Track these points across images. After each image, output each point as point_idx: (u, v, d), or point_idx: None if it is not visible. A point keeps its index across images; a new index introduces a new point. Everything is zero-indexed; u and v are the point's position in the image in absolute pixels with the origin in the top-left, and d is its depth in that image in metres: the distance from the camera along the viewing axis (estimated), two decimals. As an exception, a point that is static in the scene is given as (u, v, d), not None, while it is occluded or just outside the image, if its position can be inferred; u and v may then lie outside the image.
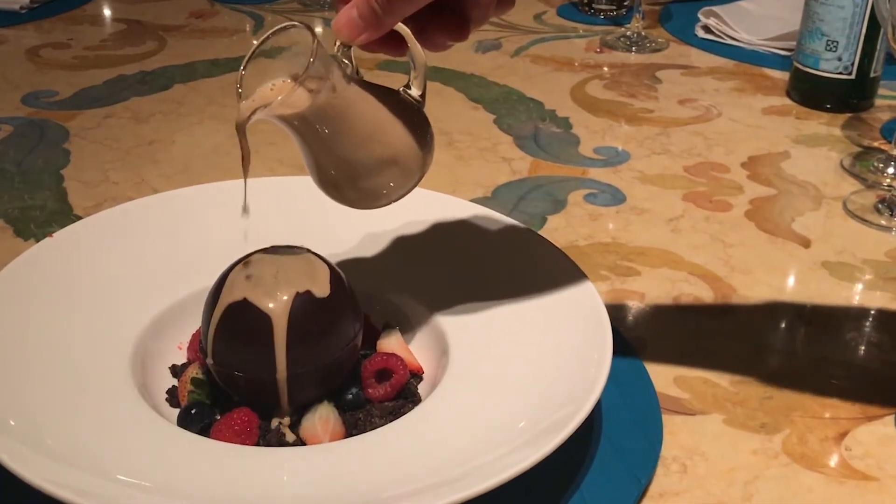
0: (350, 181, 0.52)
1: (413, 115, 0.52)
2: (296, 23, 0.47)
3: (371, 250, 0.64)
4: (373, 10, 0.46)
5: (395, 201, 0.53)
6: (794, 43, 1.03)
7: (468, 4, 0.48)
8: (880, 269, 0.72)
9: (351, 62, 0.50)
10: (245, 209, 0.51)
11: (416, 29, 0.49)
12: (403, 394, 0.54)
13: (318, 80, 0.47)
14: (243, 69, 0.48)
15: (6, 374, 0.50)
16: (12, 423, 0.47)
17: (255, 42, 0.47)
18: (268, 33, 0.48)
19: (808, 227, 0.78)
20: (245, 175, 0.50)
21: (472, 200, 0.69)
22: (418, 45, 0.50)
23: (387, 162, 0.51)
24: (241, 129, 0.48)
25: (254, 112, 0.47)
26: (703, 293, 0.69)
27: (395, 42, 0.49)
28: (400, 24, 0.48)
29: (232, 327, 0.51)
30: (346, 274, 0.54)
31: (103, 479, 0.45)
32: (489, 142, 0.92)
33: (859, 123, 0.98)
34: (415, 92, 0.52)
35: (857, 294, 0.70)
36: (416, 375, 0.57)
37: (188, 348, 0.58)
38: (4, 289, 0.57)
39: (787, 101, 1.04)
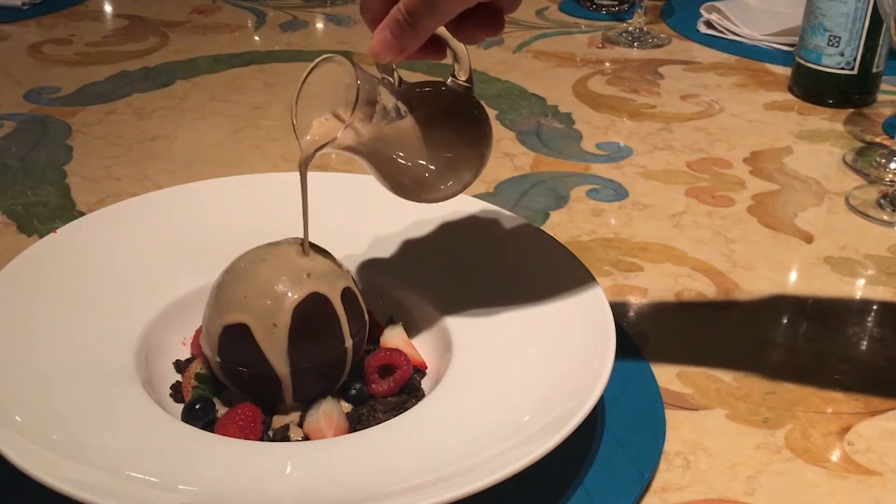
0: (417, 182, 0.54)
1: (466, 105, 0.54)
2: (332, 55, 0.48)
3: (374, 246, 0.64)
4: (403, 29, 0.46)
5: (464, 189, 0.55)
6: (797, 38, 1.03)
7: None
8: (882, 264, 0.72)
9: (393, 76, 0.51)
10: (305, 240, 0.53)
11: (450, 27, 0.49)
12: (407, 389, 0.55)
13: (368, 107, 0.48)
14: (294, 111, 0.49)
15: (11, 370, 0.51)
16: (17, 418, 0.47)
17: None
18: (309, 68, 0.49)
19: (811, 222, 0.78)
20: (305, 214, 0.52)
21: (475, 196, 0.69)
22: (457, 41, 0.51)
23: (450, 158, 0.53)
24: (304, 166, 0.50)
25: (317, 150, 0.49)
26: (705, 288, 0.69)
27: (434, 46, 0.50)
28: None
29: (238, 331, 0.51)
30: (350, 269, 0.55)
31: (108, 474, 0.45)
32: (491, 137, 0.92)
33: (861, 119, 0.98)
34: (462, 78, 0.53)
35: (859, 289, 0.70)
36: (420, 371, 0.57)
37: (192, 344, 0.58)
38: (8, 285, 0.57)
39: (790, 97, 1.04)
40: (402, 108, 0.50)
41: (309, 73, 0.49)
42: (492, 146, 0.55)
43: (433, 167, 0.53)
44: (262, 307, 0.50)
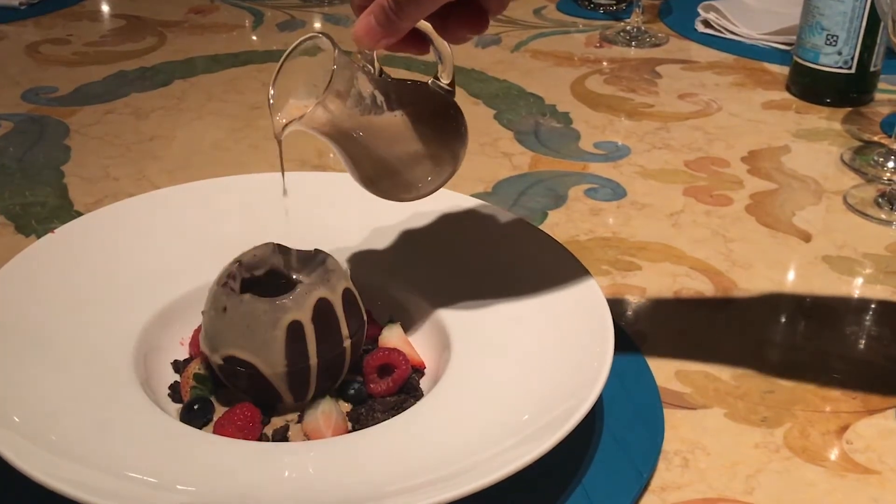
0: (387, 177, 0.53)
1: (445, 107, 0.53)
2: (316, 34, 0.48)
3: (372, 246, 0.64)
4: (388, 16, 0.46)
5: (434, 191, 0.55)
6: (794, 37, 1.03)
7: None
8: (880, 263, 0.72)
9: (374, 65, 0.51)
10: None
11: (436, 24, 0.49)
12: (405, 389, 0.55)
13: (343, 89, 0.48)
14: (273, 85, 0.49)
15: (9, 371, 0.51)
16: (16, 419, 0.47)
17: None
18: (291, 46, 0.49)
19: (809, 221, 0.78)
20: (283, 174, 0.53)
21: (473, 196, 0.69)
22: (441, 39, 0.50)
23: (422, 157, 0.53)
24: (277, 140, 0.50)
25: (287, 125, 0.49)
26: (703, 288, 0.69)
27: (417, 40, 0.50)
28: (421, 21, 0.48)
29: (240, 331, 0.51)
30: (348, 269, 0.55)
31: (107, 474, 0.45)
32: (489, 137, 0.92)
33: (859, 118, 0.98)
34: (444, 81, 0.53)
35: (857, 288, 0.70)
36: (418, 370, 0.57)
37: (190, 344, 0.58)
38: (6, 285, 0.57)
39: (787, 96, 1.04)
40: (379, 98, 0.50)
41: (290, 52, 0.49)
42: (466, 148, 0.54)
43: (403, 163, 0.52)
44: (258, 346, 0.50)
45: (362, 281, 0.56)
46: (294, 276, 0.54)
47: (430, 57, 0.52)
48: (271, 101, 0.50)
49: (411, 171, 0.53)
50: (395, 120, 0.51)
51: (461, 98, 1.02)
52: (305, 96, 0.50)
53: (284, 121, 0.49)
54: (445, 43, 0.51)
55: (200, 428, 0.51)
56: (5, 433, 0.46)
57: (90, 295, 0.58)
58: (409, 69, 1.03)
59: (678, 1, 1.36)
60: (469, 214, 0.66)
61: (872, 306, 0.68)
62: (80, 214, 0.75)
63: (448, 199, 0.67)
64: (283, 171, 0.52)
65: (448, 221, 0.65)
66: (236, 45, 1.19)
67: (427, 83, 0.53)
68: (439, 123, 0.53)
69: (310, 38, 0.49)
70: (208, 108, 0.99)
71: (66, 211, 0.78)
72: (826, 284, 0.70)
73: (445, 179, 0.54)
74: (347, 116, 0.49)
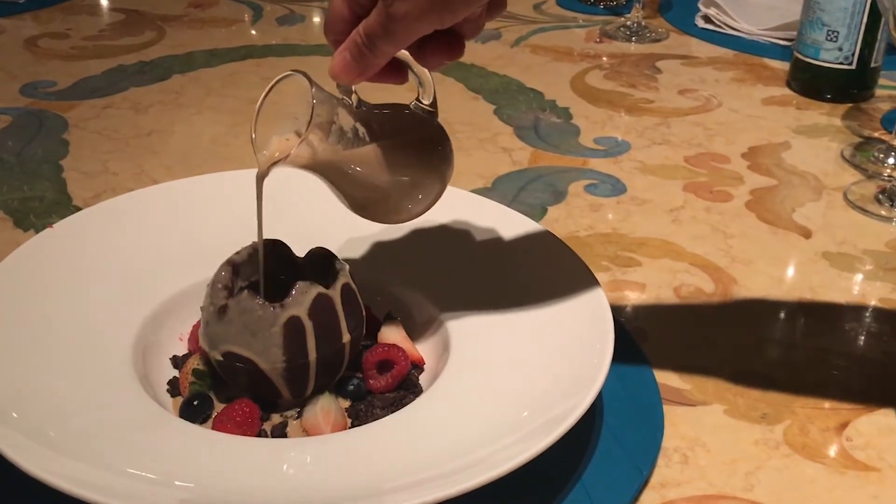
0: (376, 204, 0.53)
1: (428, 130, 0.53)
2: (292, 72, 0.48)
3: (371, 242, 0.64)
4: (362, 52, 0.46)
5: (424, 212, 0.54)
6: (795, 33, 1.03)
7: (459, 22, 0.47)
8: (881, 259, 0.72)
9: (351, 97, 0.50)
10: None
11: (411, 52, 0.49)
12: (405, 385, 0.54)
13: (324, 126, 0.48)
14: (254, 125, 0.49)
15: (7, 367, 0.50)
16: (14, 414, 0.47)
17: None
18: (268, 87, 0.48)
19: (809, 217, 0.78)
20: (260, 228, 0.52)
21: (472, 191, 0.69)
22: (419, 66, 0.50)
23: (409, 182, 0.52)
24: (259, 181, 0.50)
25: (272, 166, 0.49)
26: (703, 284, 0.69)
27: (395, 70, 0.50)
28: None
29: (238, 328, 0.51)
30: (348, 265, 0.54)
31: (105, 470, 0.45)
32: (489, 132, 0.92)
33: (860, 114, 0.98)
34: (426, 102, 0.53)
35: (857, 285, 0.70)
36: (418, 366, 0.57)
37: (189, 339, 0.58)
38: (4, 280, 0.56)
39: (788, 92, 1.04)
40: (361, 129, 0.50)
41: (269, 91, 0.48)
42: (453, 168, 0.54)
43: (391, 189, 0.52)
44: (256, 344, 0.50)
45: (361, 277, 0.55)
46: (293, 273, 0.54)
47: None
48: (254, 139, 0.49)
49: (399, 196, 0.53)
50: (379, 150, 0.50)
51: (461, 93, 1.03)
52: (287, 130, 0.50)
53: (271, 158, 0.49)
54: (424, 69, 0.51)
55: (199, 424, 0.51)
56: (4, 430, 0.45)
57: (89, 290, 0.58)
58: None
59: (678, -4, 1.35)
60: (468, 210, 0.66)
61: (872, 303, 0.68)
62: (78, 209, 0.75)
63: (447, 195, 0.66)
64: (260, 216, 0.52)
65: (447, 217, 0.65)
66: (235, 39, 1.19)
67: (409, 105, 0.53)
68: (423, 148, 0.53)
69: (286, 76, 0.48)
70: (207, 103, 0.99)
71: (64, 206, 0.77)
72: (826, 281, 0.70)
73: (433, 200, 0.54)
74: (332, 151, 0.49)
